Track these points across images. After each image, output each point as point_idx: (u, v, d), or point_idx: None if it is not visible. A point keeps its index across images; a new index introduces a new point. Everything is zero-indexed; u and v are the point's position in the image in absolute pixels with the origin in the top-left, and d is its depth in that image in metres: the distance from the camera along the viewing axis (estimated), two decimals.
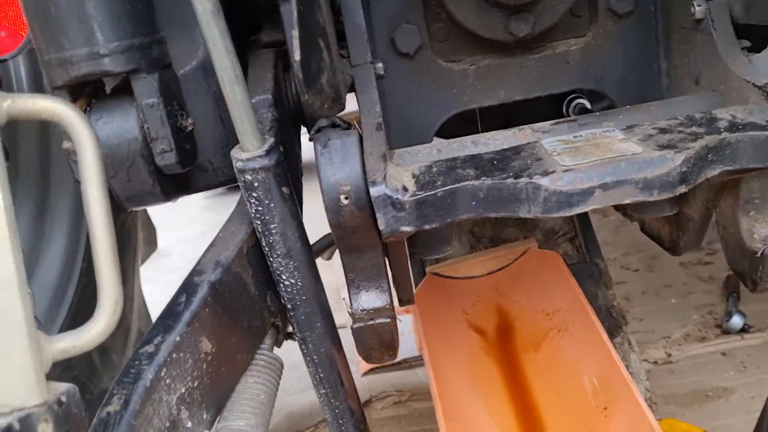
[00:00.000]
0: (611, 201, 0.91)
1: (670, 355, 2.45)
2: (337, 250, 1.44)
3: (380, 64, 1.16)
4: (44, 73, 1.16)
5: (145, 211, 2.72)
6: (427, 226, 0.97)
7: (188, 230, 4.74)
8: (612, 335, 1.75)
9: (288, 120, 1.36)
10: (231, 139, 1.33)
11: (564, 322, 1.61)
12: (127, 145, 1.18)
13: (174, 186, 1.29)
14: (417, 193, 0.96)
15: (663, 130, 0.98)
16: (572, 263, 1.86)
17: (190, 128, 1.24)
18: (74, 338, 0.73)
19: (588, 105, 1.95)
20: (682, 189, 0.92)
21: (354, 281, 1.19)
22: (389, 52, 1.28)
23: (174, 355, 0.95)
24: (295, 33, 0.90)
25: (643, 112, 1.10)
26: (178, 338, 0.96)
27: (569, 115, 1.96)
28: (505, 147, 1.04)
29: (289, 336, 1.28)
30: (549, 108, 1.96)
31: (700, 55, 1.17)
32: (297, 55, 0.91)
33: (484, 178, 0.95)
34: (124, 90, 1.21)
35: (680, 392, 2.29)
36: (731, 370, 2.35)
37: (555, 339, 1.60)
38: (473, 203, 0.96)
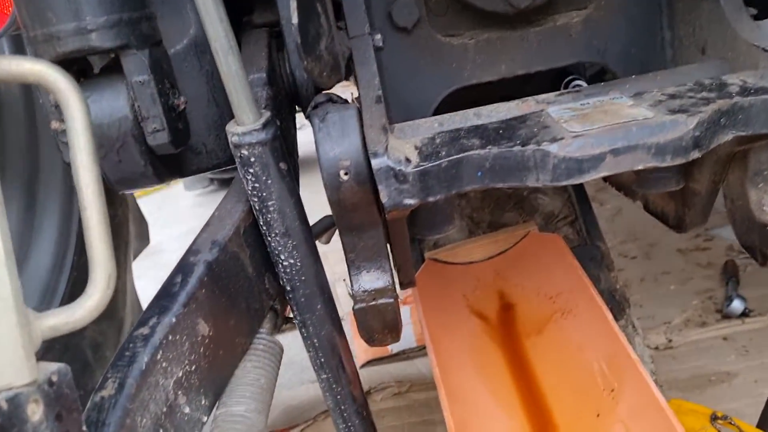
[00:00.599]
0: (623, 167, 0.87)
1: (671, 341, 2.43)
2: (336, 233, 1.40)
3: (378, 36, 1.12)
4: (29, 49, 1.11)
5: (137, 205, 2.68)
6: (431, 199, 0.94)
7: (179, 227, 4.69)
8: (615, 318, 1.72)
9: (283, 99, 1.32)
10: (224, 121, 1.29)
11: (567, 305, 1.58)
12: (118, 124, 1.15)
13: (166, 168, 1.25)
14: (420, 164, 0.92)
15: (673, 96, 0.95)
16: (573, 246, 1.83)
17: (182, 107, 1.20)
18: (66, 315, 0.69)
19: (584, 84, 1.92)
20: (695, 154, 0.88)
21: (354, 262, 1.15)
22: (386, 26, 1.24)
23: (170, 338, 0.91)
24: None
25: (649, 81, 1.07)
26: (174, 320, 0.92)
27: None
28: (508, 117, 1.01)
29: (288, 320, 1.24)
30: (546, 90, 1.93)
31: (706, 23, 1.14)
32: (294, 18, 0.87)
33: (489, 147, 0.91)
34: (113, 69, 1.17)
35: (682, 377, 2.26)
36: (733, 354, 2.32)
37: (559, 322, 1.57)
38: (479, 173, 0.92)
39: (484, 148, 0.91)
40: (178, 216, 5.16)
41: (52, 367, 0.68)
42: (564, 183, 0.88)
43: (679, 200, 1.35)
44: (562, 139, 0.88)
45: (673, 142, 0.86)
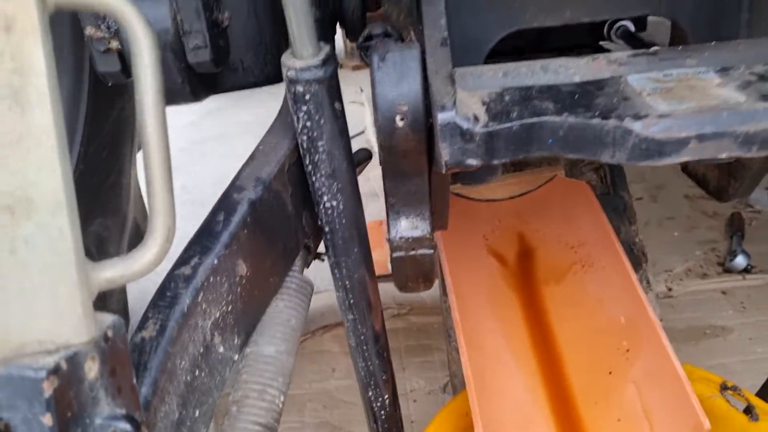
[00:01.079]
0: (705, 154, 0.83)
1: (671, 290, 2.45)
2: (368, 167, 1.36)
3: None
4: None
5: None
6: (495, 161, 0.89)
7: (178, 119, 4.58)
8: None
9: (327, 22, 1.24)
10: (264, 38, 1.21)
11: (589, 257, 1.57)
12: (157, 36, 1.07)
13: (202, 85, 1.18)
14: (490, 123, 0.87)
15: (762, 78, 0.89)
16: (596, 194, 1.80)
17: (226, 23, 1.12)
18: (123, 266, 0.65)
19: (632, 28, 1.84)
20: None
21: (394, 206, 1.11)
22: None
23: (211, 279, 0.88)
24: None
25: (731, 52, 1.00)
26: (216, 261, 0.89)
27: (611, 39, 1.85)
28: (583, 79, 0.94)
29: (318, 256, 1.21)
30: (586, 31, 1.84)
31: None
32: None
33: (566, 113, 0.85)
34: None
35: (678, 327, 2.30)
36: (730, 309, 2.35)
37: (578, 273, 1.56)
38: (550, 141, 0.87)
39: (560, 115, 0.85)
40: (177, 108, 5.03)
41: (107, 321, 0.64)
42: (639, 164, 0.83)
43: (725, 170, 1.31)
44: (646, 116, 0.82)
45: (764, 132, 0.81)
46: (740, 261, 2.50)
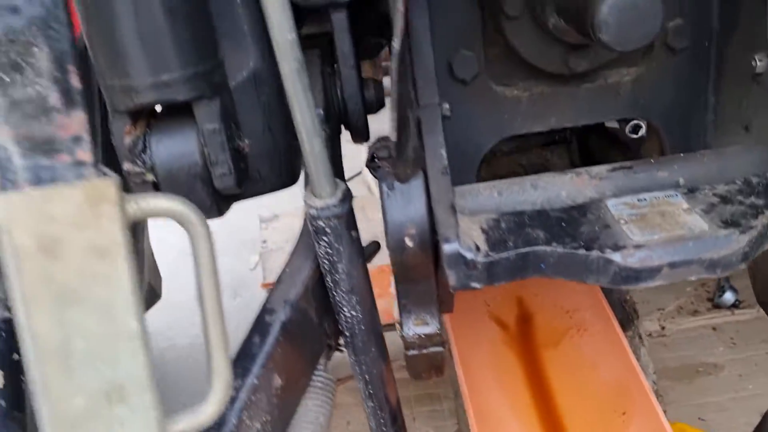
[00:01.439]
0: (676, 278, 0.96)
1: (664, 329, 2.58)
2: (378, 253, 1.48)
3: (447, 105, 1.17)
4: (105, 95, 1.15)
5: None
6: (495, 284, 1.02)
7: None
8: (624, 329, 1.84)
9: (335, 131, 1.37)
10: (278, 148, 1.34)
11: (584, 323, 1.69)
12: (187, 169, 1.19)
13: (225, 201, 1.31)
14: (490, 254, 1.00)
15: (724, 199, 1.03)
16: None
17: (246, 150, 1.25)
18: (190, 419, 0.77)
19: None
20: (742, 266, 0.97)
21: (406, 306, 1.24)
22: (445, 76, 1.28)
23: (252, 398, 1.01)
24: (395, 115, 0.91)
25: (696, 164, 1.13)
26: (255, 381, 1.01)
27: None
28: (569, 197, 1.08)
29: (338, 348, 1.34)
30: None
31: (753, 105, 1.20)
32: (394, 137, 0.92)
33: (555, 244, 0.99)
34: (182, 110, 1.20)
35: (672, 366, 2.42)
36: (721, 345, 2.48)
37: (574, 338, 1.69)
38: (542, 266, 1.00)
39: (549, 245, 0.99)
40: None
41: None
42: (621, 287, 0.97)
43: None
44: (624, 248, 0.96)
45: (725, 258, 0.94)
46: (728, 297, 2.63)
